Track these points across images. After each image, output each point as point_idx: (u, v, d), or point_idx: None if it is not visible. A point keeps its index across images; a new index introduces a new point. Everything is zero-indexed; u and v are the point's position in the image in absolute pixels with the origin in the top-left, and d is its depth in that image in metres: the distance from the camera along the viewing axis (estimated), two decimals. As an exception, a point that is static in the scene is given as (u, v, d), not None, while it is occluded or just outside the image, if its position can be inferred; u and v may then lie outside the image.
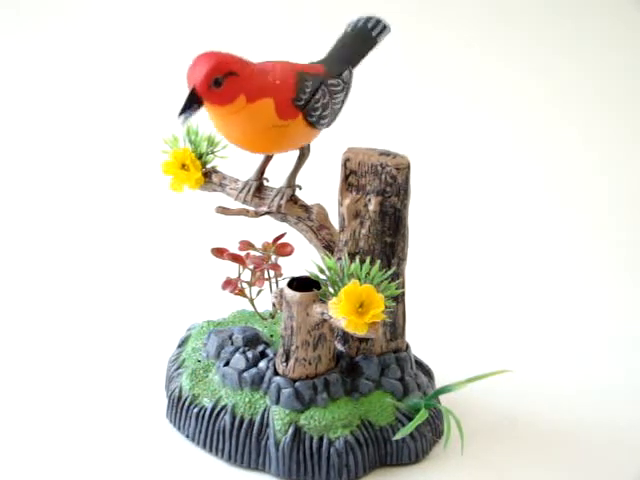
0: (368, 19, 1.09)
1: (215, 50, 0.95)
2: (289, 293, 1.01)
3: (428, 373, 1.14)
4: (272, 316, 1.13)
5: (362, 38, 1.08)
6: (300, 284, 1.01)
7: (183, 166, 1.06)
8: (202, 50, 0.95)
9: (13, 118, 1.72)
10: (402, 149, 1.04)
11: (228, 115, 0.97)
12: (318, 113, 1.01)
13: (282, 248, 1.10)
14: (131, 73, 1.76)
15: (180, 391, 1.08)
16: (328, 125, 1.03)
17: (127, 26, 1.79)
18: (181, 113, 0.94)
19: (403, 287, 1.06)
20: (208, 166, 1.07)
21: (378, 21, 1.09)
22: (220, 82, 0.94)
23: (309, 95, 1.00)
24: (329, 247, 1.06)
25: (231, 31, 1.77)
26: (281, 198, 1.04)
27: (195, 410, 1.06)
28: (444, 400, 1.10)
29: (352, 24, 1.09)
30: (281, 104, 0.98)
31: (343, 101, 1.05)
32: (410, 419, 1.04)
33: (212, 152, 1.07)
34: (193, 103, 0.94)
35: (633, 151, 1.68)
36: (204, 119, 1.09)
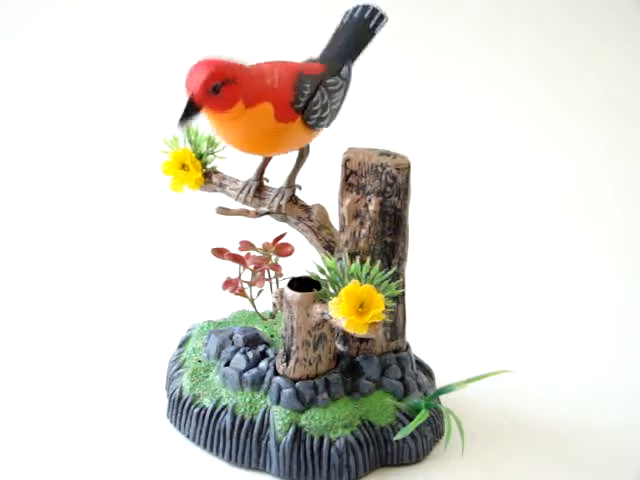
0: (364, 9, 1.07)
1: (212, 56, 0.95)
2: (289, 293, 1.01)
3: (429, 373, 1.14)
4: (272, 316, 1.13)
5: (359, 31, 1.07)
6: (300, 284, 1.01)
7: (183, 166, 1.06)
8: (201, 50, 0.95)
9: (14, 119, 1.72)
10: (402, 149, 1.04)
11: (227, 121, 0.97)
12: (317, 115, 1.01)
13: (282, 248, 1.10)
14: (131, 74, 1.76)
15: (181, 391, 1.08)
16: (328, 125, 1.03)
17: (127, 27, 1.79)
18: (181, 121, 0.94)
19: (403, 287, 1.06)
20: (208, 166, 1.07)
21: (375, 10, 1.07)
22: (218, 89, 0.93)
23: (308, 97, 1.00)
24: (329, 247, 1.06)
25: (230, 30, 1.77)
26: (281, 198, 1.04)
27: (196, 410, 1.06)
28: (445, 400, 1.10)
29: (348, 14, 1.07)
30: (280, 108, 0.98)
31: (342, 99, 1.05)
32: (411, 419, 1.04)
33: (212, 152, 1.07)
34: (192, 110, 0.94)
35: (633, 150, 1.68)
36: (204, 120, 1.09)
